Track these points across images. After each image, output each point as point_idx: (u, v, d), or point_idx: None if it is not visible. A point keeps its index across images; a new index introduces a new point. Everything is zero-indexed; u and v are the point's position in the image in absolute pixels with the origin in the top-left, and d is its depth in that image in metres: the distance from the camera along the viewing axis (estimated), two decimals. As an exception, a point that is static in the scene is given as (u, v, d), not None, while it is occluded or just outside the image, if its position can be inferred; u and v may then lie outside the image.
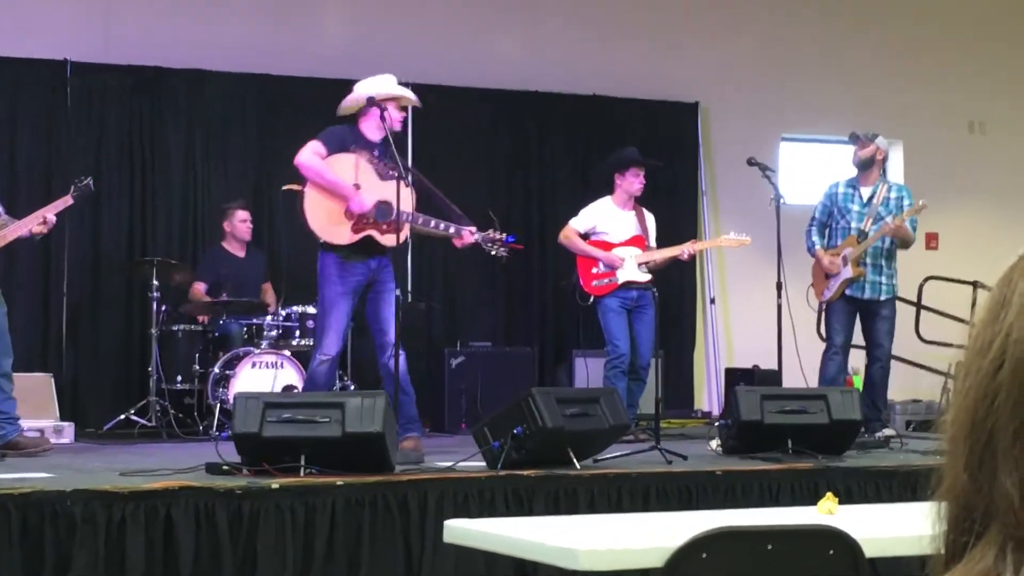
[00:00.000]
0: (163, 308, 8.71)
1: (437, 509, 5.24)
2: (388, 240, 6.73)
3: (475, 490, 5.43)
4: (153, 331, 8.58)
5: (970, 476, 0.89)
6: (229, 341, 8.61)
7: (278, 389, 8.01)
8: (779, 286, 7.96)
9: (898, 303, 8.38)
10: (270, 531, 5.02)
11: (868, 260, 8.01)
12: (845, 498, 5.12)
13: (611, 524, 3.67)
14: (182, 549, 4.87)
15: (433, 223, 6.84)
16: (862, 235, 8.03)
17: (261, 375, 8.20)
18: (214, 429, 7.95)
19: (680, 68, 11.13)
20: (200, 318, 8.95)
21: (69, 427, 8.07)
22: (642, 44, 11.06)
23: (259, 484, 5.12)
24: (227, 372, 8.31)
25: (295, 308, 8.64)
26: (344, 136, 6.75)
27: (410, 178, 6.73)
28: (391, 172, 6.69)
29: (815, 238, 8.17)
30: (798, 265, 8.33)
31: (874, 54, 11.68)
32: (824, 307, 8.23)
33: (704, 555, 2.65)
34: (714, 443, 6.92)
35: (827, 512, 3.48)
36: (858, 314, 8.11)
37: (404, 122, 7.24)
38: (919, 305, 10.83)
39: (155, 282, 8.60)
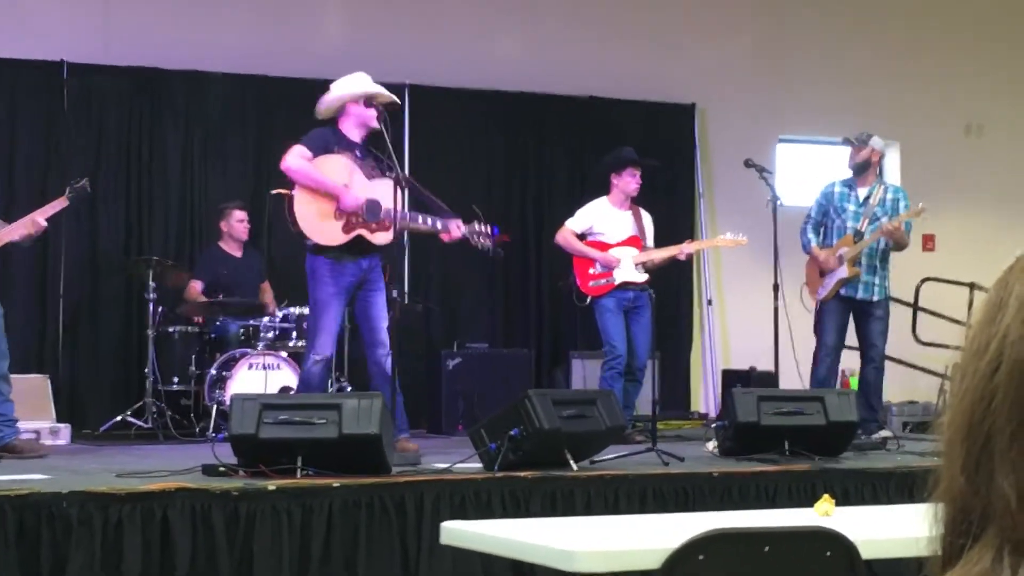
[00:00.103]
0: (160, 309, 8.70)
1: (434, 511, 5.24)
2: (379, 239, 6.75)
3: (472, 492, 5.43)
4: (150, 332, 8.57)
5: (967, 478, 0.89)
6: (226, 342, 8.61)
7: (275, 390, 8.01)
8: (776, 287, 7.97)
9: (895, 304, 8.39)
10: (266, 533, 5.02)
11: (863, 260, 8.02)
12: (842, 500, 5.12)
13: (608, 526, 3.67)
14: (178, 551, 4.87)
15: (420, 219, 6.86)
16: (858, 235, 8.04)
17: (258, 376, 8.20)
18: (211, 430, 7.95)
19: (677, 69, 11.13)
20: (196, 319, 8.94)
21: (66, 428, 8.07)
22: (639, 45, 11.06)
23: (255, 486, 5.12)
24: (224, 373, 8.31)
25: (292, 309, 8.63)
26: (327, 137, 6.77)
27: (396, 175, 6.76)
28: (375, 171, 6.73)
29: (810, 235, 8.18)
30: (795, 267, 8.33)
31: (872, 55, 11.68)
32: (817, 306, 8.23)
33: (701, 557, 2.65)
34: (711, 444, 6.93)
35: (824, 514, 3.47)
36: (851, 315, 8.12)
37: (400, 123, 7.26)
38: (916, 306, 10.83)
39: (152, 283, 8.59)
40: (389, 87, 9.58)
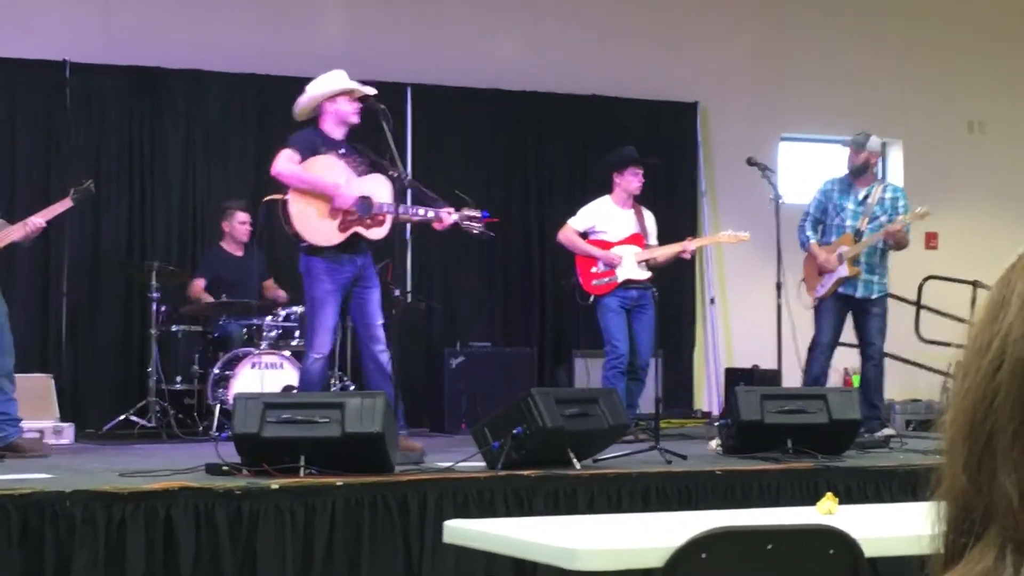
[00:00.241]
0: (163, 309, 8.71)
1: (437, 509, 5.24)
2: (375, 234, 6.78)
3: (475, 490, 5.44)
4: (153, 331, 8.58)
5: (969, 477, 0.88)
6: (229, 342, 8.61)
7: (278, 389, 8.01)
8: (779, 286, 7.96)
9: (898, 303, 8.39)
10: (270, 532, 5.02)
11: (862, 259, 8.03)
12: (845, 498, 5.12)
13: (610, 524, 3.67)
14: (182, 550, 4.87)
15: (412, 210, 6.89)
16: (858, 234, 8.04)
17: (261, 375, 8.20)
18: (214, 430, 7.95)
19: (679, 68, 11.13)
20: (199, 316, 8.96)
21: (69, 428, 8.08)
22: (641, 44, 11.05)
23: (259, 484, 5.12)
24: (227, 373, 8.32)
25: (295, 309, 8.64)
26: (312, 139, 6.79)
27: (398, 173, 6.79)
28: (361, 167, 6.77)
29: (808, 232, 8.18)
30: (797, 265, 8.33)
31: (873, 54, 11.67)
32: (815, 304, 8.23)
33: (704, 555, 2.65)
34: (714, 443, 6.93)
35: (827, 512, 3.48)
36: (850, 313, 8.12)
37: (401, 123, 7.28)
38: (919, 304, 10.83)
39: (154, 282, 8.59)
40: (389, 87, 9.65)
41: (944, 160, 11.78)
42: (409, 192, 6.92)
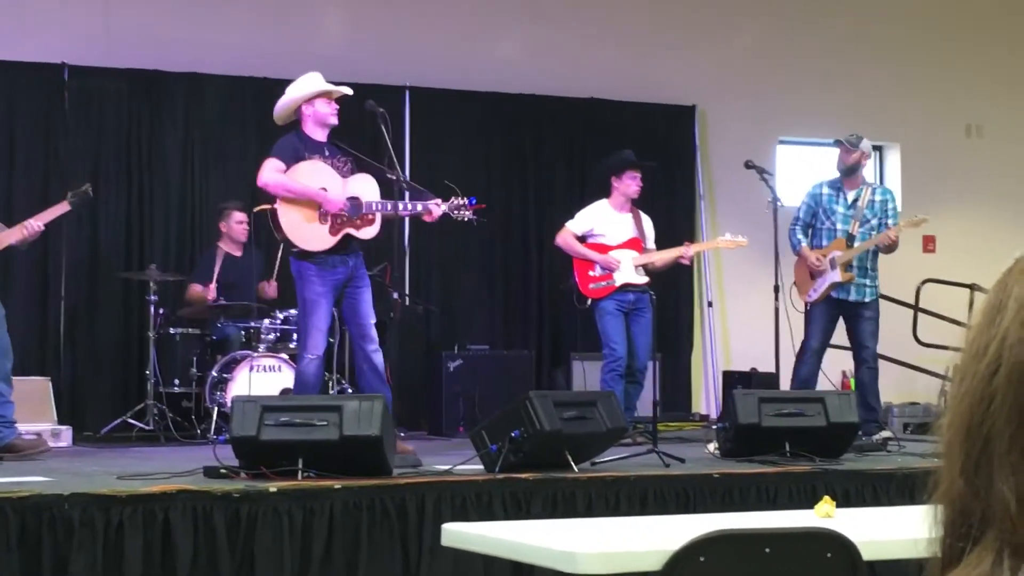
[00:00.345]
0: (160, 311, 8.71)
1: (435, 512, 5.24)
2: (365, 233, 6.80)
3: (473, 493, 5.43)
4: (151, 334, 8.57)
5: (966, 481, 0.89)
6: (227, 344, 8.61)
7: (275, 392, 8.00)
8: (776, 289, 7.97)
9: (896, 306, 8.38)
10: (268, 535, 5.02)
11: (854, 263, 8.02)
12: (843, 501, 5.12)
13: (609, 527, 3.67)
14: (180, 553, 4.87)
15: (401, 206, 6.90)
16: (850, 238, 8.03)
17: (259, 378, 8.19)
18: (212, 433, 7.95)
19: (677, 71, 11.14)
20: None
21: (67, 431, 8.07)
22: (639, 47, 11.06)
23: (257, 488, 5.12)
24: (225, 375, 8.31)
25: (293, 312, 8.63)
26: (295, 145, 6.81)
27: (396, 174, 6.80)
28: (346, 168, 6.81)
29: (799, 236, 8.17)
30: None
31: (871, 57, 11.68)
32: (807, 307, 8.23)
33: (702, 558, 2.65)
34: (712, 446, 6.93)
35: (825, 515, 3.47)
36: (841, 317, 8.11)
37: (400, 124, 7.28)
38: (916, 308, 10.83)
39: (152, 285, 8.59)
40: (388, 89, 9.66)
41: (941, 163, 11.79)
42: (407, 194, 6.94)
